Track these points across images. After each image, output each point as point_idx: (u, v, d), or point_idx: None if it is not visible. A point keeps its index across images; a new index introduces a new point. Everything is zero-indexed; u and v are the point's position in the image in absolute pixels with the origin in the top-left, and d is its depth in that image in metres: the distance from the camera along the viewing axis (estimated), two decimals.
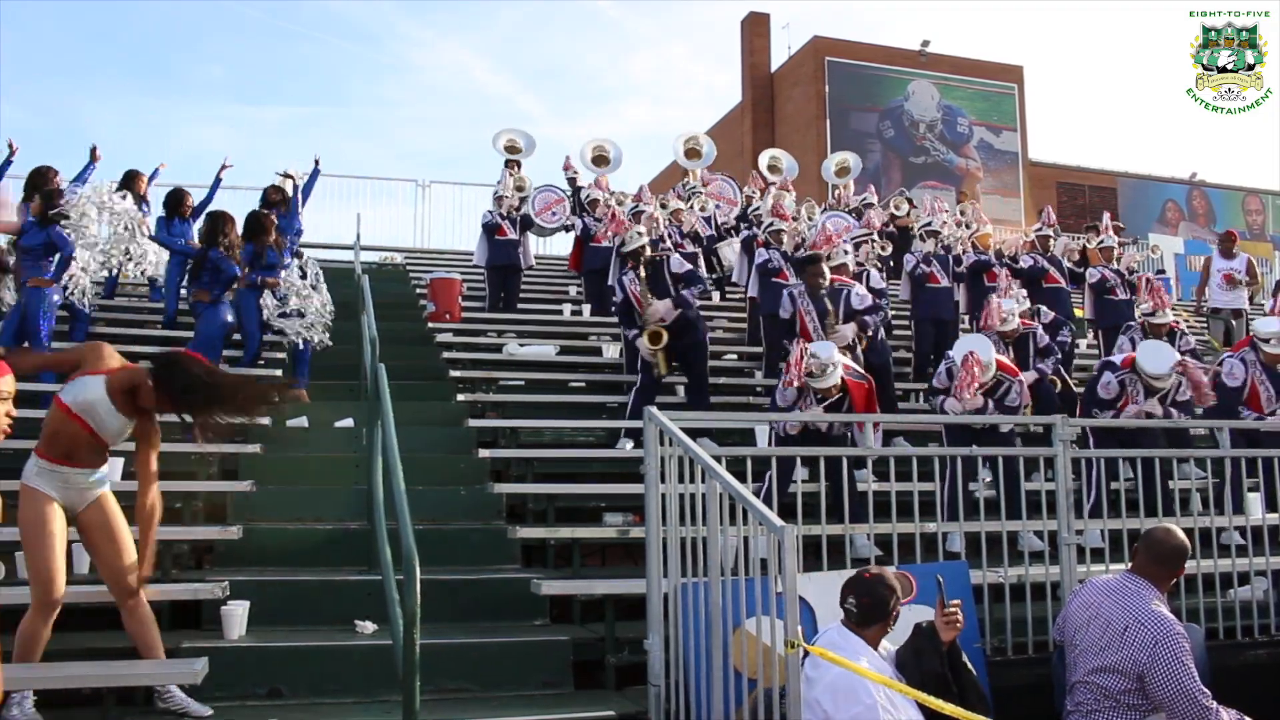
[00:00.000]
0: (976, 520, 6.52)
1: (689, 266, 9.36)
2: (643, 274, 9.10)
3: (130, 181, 10.81)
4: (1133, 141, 59.26)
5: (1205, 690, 4.40)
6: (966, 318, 11.88)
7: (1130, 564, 4.85)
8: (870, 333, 9.15)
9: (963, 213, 14.66)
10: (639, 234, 9.42)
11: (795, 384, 7.42)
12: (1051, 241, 12.50)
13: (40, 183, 9.19)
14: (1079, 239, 13.71)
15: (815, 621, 4.92)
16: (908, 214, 14.59)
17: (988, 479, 7.19)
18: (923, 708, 4.10)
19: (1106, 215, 13.59)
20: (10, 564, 5.92)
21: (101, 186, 9.14)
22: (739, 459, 5.43)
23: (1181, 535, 4.80)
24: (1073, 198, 30.98)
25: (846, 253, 10.32)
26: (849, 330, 8.79)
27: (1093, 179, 31.95)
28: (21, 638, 4.61)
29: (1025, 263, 11.96)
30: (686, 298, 9.02)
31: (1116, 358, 8.46)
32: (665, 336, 8.93)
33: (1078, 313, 12.71)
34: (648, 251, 9.27)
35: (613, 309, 9.43)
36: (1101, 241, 12.42)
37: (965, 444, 6.96)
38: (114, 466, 6.16)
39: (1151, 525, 5.19)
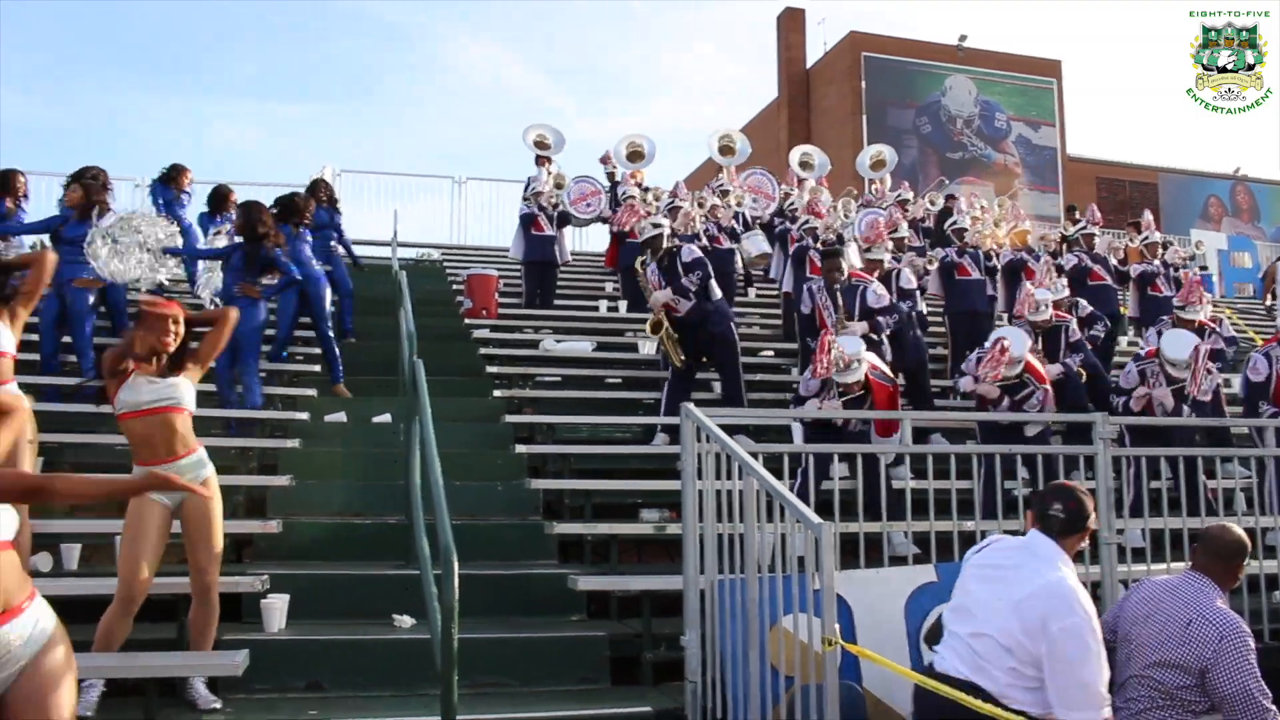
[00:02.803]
0: (1015, 518, 6.46)
1: (698, 255, 9.26)
2: (652, 263, 9.18)
3: (174, 176, 10.92)
4: (1175, 136, 58.56)
5: (1267, 691, 4.31)
6: (1005, 316, 11.75)
7: (1190, 563, 4.78)
8: (884, 334, 8.98)
9: (999, 207, 14.58)
10: (654, 225, 9.41)
11: (820, 374, 7.40)
12: (1096, 239, 12.37)
13: (81, 175, 9.18)
14: (1122, 236, 13.56)
15: (853, 619, 4.90)
16: (943, 208, 14.50)
17: (1025, 476, 7.13)
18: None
19: (1148, 212, 13.45)
20: (57, 555, 6.01)
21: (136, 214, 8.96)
22: (776, 455, 5.42)
23: (1239, 531, 4.72)
24: (1113, 193, 30.69)
25: (887, 248, 10.30)
26: (859, 328, 8.68)
27: (1133, 174, 31.65)
28: (101, 629, 4.71)
29: (1069, 261, 11.83)
30: (685, 286, 8.96)
31: (1144, 349, 8.45)
32: (664, 325, 8.97)
33: (1122, 310, 12.57)
34: (664, 242, 9.27)
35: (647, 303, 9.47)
36: (1145, 238, 12.28)
37: (1001, 442, 6.90)
38: None
39: (1194, 525, 5.14)
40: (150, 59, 73.94)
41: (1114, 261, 12.11)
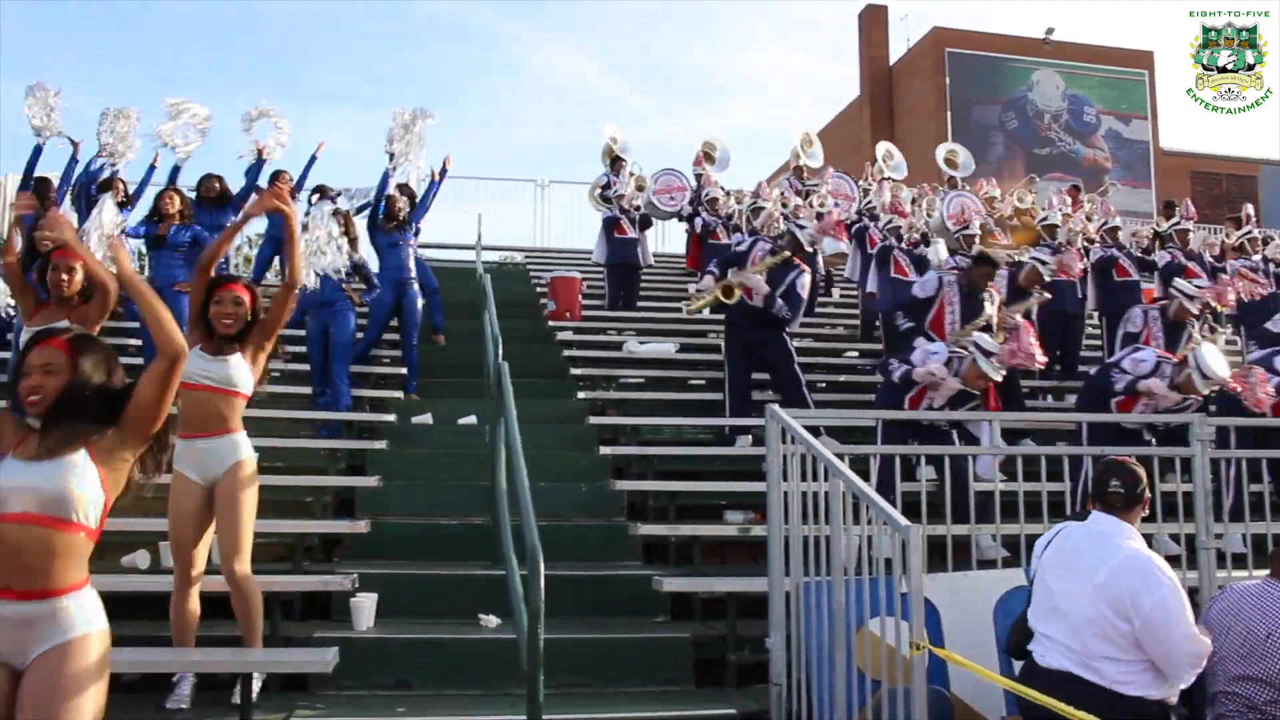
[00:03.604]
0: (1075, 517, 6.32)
1: (805, 289, 9.17)
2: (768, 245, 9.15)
3: (275, 180, 11.20)
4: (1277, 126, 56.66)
5: None
6: (1096, 314, 11.49)
7: (1271, 570, 4.64)
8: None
9: (1089, 203, 14.25)
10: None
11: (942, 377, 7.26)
12: (1190, 234, 12.03)
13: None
14: (1218, 232, 13.18)
15: (940, 623, 4.84)
16: (1031, 206, 14.21)
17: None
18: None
19: (1248, 205, 13.05)
20: (156, 553, 6.17)
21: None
22: (861, 457, 5.37)
23: None
24: (1208, 188, 29.82)
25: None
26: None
27: (1231, 167, 30.72)
28: (171, 613, 4.81)
29: (1162, 258, 11.52)
30: (781, 304, 8.87)
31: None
32: (734, 296, 8.92)
33: (1220, 308, 12.20)
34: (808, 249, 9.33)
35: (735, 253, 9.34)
36: (1247, 233, 11.91)
37: (1111, 444, 6.72)
38: None
39: None
40: (238, 67, 75.70)
41: (1209, 258, 11.76)
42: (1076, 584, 4.02)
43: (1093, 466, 5.68)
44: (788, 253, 9.01)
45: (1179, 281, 9.35)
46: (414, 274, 9.83)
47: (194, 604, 4.84)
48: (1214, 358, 7.37)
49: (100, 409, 3.12)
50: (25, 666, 2.99)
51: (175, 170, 10.15)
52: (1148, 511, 4.37)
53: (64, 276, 5.23)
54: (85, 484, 3.02)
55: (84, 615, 3.04)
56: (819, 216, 10.70)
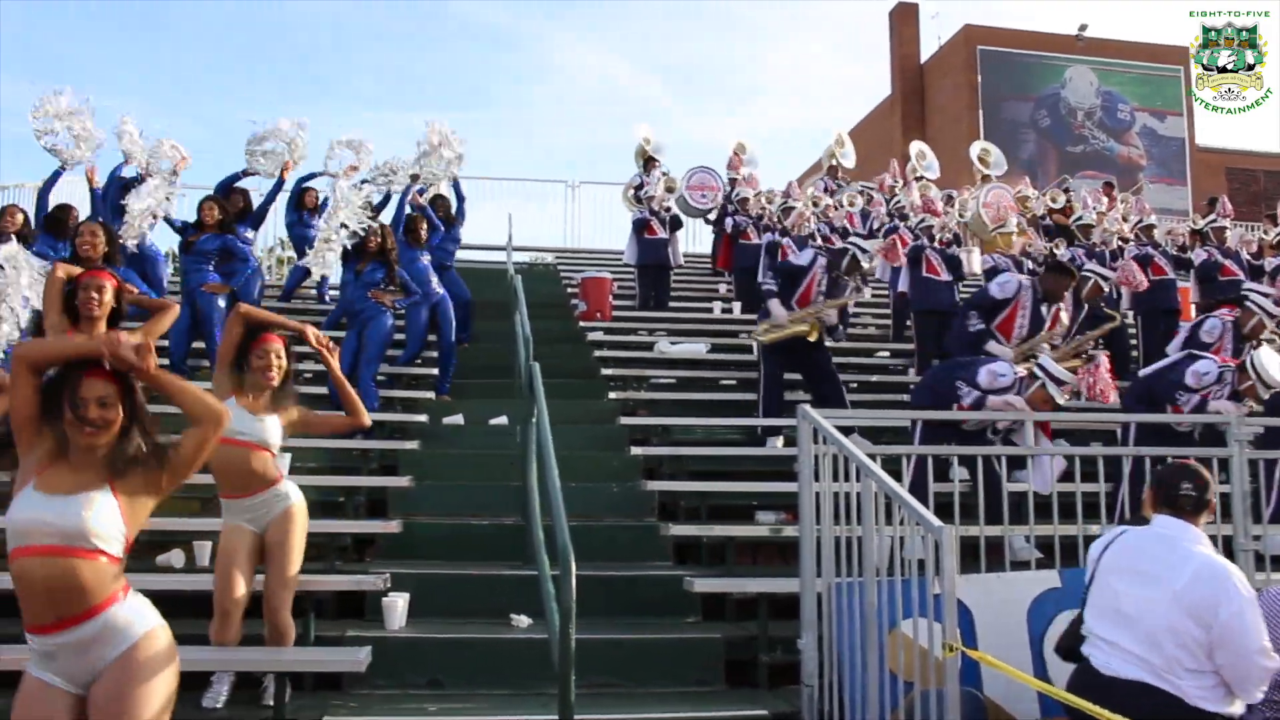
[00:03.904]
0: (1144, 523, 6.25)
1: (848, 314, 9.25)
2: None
3: (300, 196, 11.41)
4: None
5: None
6: (1130, 313, 11.38)
7: None
8: None
9: (1123, 202, 14.14)
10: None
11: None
12: (1227, 232, 11.91)
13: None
14: (1255, 229, 13.03)
15: (973, 624, 4.80)
16: (1066, 206, 14.11)
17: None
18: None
19: None
20: (190, 552, 6.22)
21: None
22: (894, 457, 5.34)
23: None
24: (1245, 184, 29.45)
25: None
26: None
27: (1267, 164, 30.32)
28: (213, 640, 4.84)
29: (1198, 257, 11.40)
30: (842, 329, 9.06)
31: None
32: (817, 335, 8.91)
33: None
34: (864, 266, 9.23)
35: (784, 264, 9.22)
36: None
37: (1163, 445, 6.65)
38: None
39: None
40: (273, 73, 76.26)
41: (1246, 256, 11.63)
42: (1151, 591, 3.88)
43: (1155, 469, 5.63)
44: (858, 290, 9.03)
45: (1257, 296, 9.06)
46: (436, 283, 9.89)
47: (234, 633, 4.85)
48: (1272, 361, 7.30)
49: (143, 453, 3.17)
50: (97, 683, 3.08)
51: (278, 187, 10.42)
52: (1212, 517, 4.28)
53: (94, 295, 5.28)
54: (104, 520, 3.07)
55: (136, 617, 3.13)
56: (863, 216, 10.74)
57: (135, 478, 3.14)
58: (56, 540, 3.00)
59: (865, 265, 9.19)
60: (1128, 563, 4.02)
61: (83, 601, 3.03)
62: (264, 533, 4.88)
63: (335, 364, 5.20)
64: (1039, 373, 7.00)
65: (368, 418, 5.26)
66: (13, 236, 8.29)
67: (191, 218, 9.39)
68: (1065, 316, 8.58)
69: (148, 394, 3.24)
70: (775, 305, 8.85)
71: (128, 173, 9.75)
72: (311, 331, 5.07)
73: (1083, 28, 29.67)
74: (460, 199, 11.22)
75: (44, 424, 3.13)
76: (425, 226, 9.97)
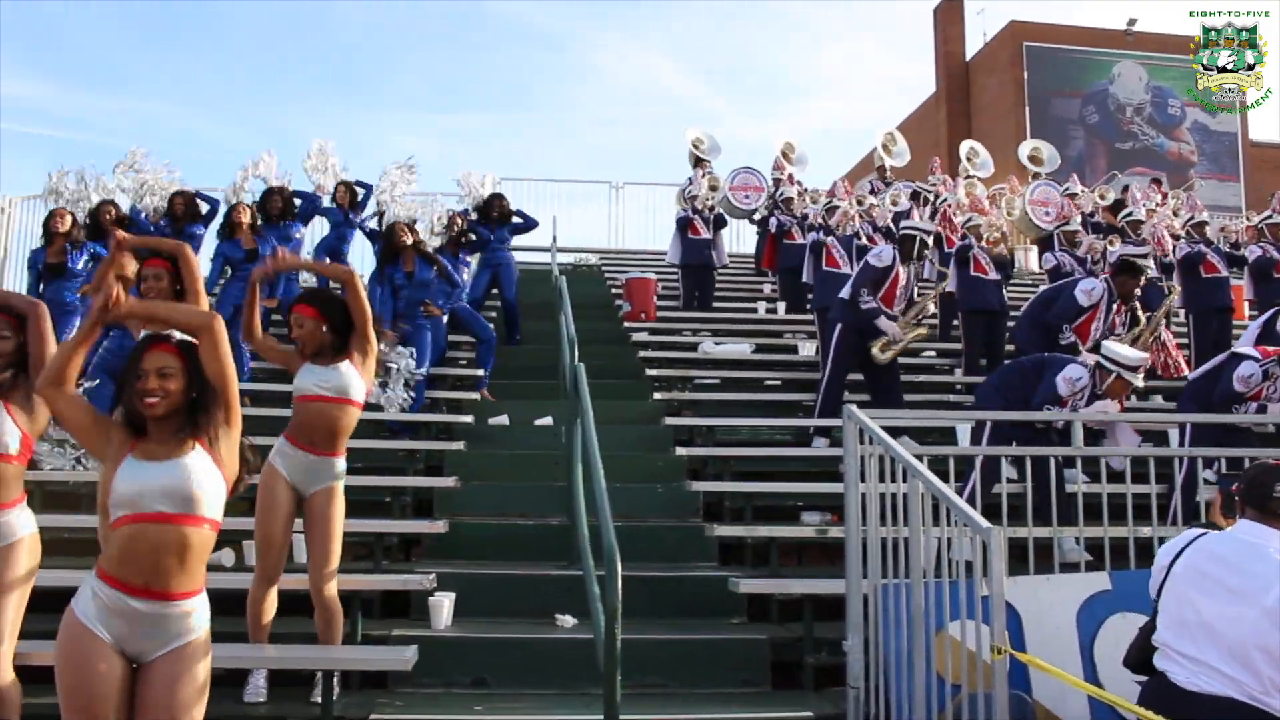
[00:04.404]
0: (1198, 524, 6.16)
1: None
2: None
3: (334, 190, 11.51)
4: None
5: None
6: (1182, 312, 11.20)
7: None
8: None
9: (1174, 199, 13.93)
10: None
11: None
12: None
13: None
14: None
15: (1021, 627, 4.76)
16: (1115, 203, 13.93)
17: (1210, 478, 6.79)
18: None
19: None
20: (240, 552, 6.29)
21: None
22: (941, 458, 5.30)
23: None
24: None
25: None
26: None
27: None
28: (250, 609, 4.92)
29: (1253, 253, 11.20)
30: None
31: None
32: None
33: None
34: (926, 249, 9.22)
35: (865, 266, 9.14)
36: None
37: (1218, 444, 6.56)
38: None
39: None
40: (319, 76, 76.99)
41: None
42: (1238, 606, 3.59)
43: (1238, 471, 5.54)
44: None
45: None
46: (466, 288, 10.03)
47: (271, 600, 4.95)
48: None
49: (211, 407, 3.23)
50: (145, 662, 3.14)
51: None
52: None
53: (150, 285, 5.36)
54: (208, 477, 3.15)
55: (202, 618, 3.21)
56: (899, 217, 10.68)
57: (215, 431, 3.21)
58: (169, 507, 3.08)
59: (929, 247, 9.22)
60: (1208, 571, 3.72)
61: (179, 581, 3.11)
62: (302, 495, 4.93)
63: (357, 283, 5.14)
64: (1107, 364, 6.95)
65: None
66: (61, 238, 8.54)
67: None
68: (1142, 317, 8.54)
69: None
70: (886, 323, 8.73)
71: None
72: (328, 265, 5.13)
73: (1132, 22, 29.26)
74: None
75: (106, 420, 3.22)
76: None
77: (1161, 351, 8.65)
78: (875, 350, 8.76)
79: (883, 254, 8.93)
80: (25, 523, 4.06)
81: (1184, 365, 8.62)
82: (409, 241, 9.10)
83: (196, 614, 3.18)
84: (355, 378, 4.95)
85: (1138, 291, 8.72)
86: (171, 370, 3.18)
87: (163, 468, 3.11)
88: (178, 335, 3.28)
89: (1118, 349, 7.07)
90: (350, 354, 4.96)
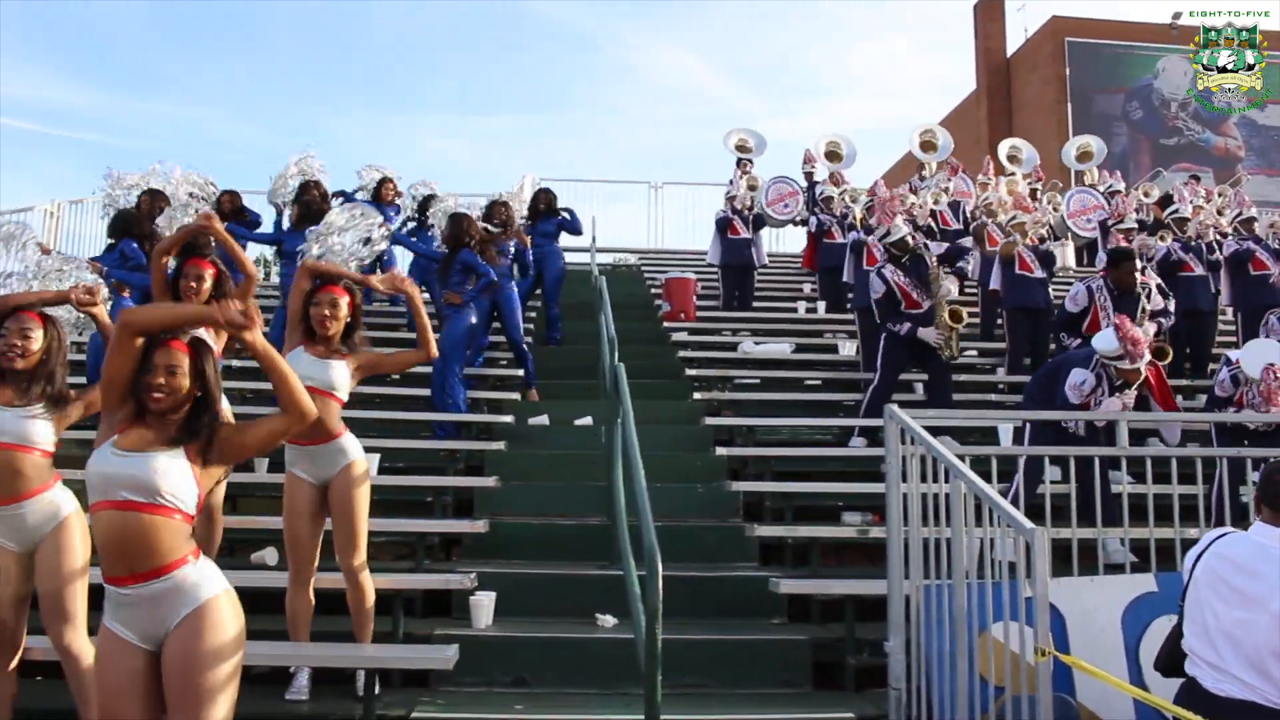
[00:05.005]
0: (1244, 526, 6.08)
1: (947, 244, 9.16)
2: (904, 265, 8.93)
3: (378, 189, 11.53)
4: None
5: None
6: (1230, 310, 11.04)
7: None
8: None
9: (1221, 195, 13.72)
10: (900, 225, 9.20)
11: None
12: None
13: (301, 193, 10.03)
14: None
15: (1065, 628, 4.72)
16: (1163, 197, 13.75)
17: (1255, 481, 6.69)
18: None
19: None
20: (282, 550, 6.35)
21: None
22: (983, 458, 5.26)
23: None
24: None
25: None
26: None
27: None
28: (288, 609, 4.98)
29: None
30: (965, 270, 9.05)
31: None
32: (964, 314, 8.84)
33: None
34: (910, 241, 9.04)
35: (874, 302, 9.07)
36: None
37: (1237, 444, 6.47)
38: None
39: None
40: (358, 80, 77.60)
41: None
42: (1250, 611, 3.60)
43: (1253, 469, 5.49)
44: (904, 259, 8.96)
45: None
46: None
47: (308, 598, 5.00)
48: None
49: (212, 424, 3.31)
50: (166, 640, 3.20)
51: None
52: None
53: (193, 284, 5.43)
54: (175, 477, 3.19)
55: (204, 580, 3.23)
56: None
57: (206, 445, 3.27)
58: (131, 495, 3.14)
59: (922, 246, 9.17)
60: (1223, 576, 3.72)
61: (153, 559, 3.15)
62: (325, 487, 4.96)
63: (415, 293, 5.30)
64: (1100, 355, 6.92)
65: (435, 348, 5.33)
66: None
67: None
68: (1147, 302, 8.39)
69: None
70: (925, 332, 8.66)
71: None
72: (376, 278, 5.22)
73: (1176, 16, 28.87)
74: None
75: (132, 389, 3.28)
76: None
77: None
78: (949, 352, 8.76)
79: (874, 285, 8.92)
80: (67, 501, 4.24)
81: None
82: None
83: (194, 580, 3.20)
84: (344, 375, 5.00)
85: (1141, 279, 8.56)
86: (180, 369, 3.26)
87: (131, 459, 3.17)
88: (192, 333, 3.35)
89: (1097, 340, 7.02)
90: (348, 356, 5.03)
